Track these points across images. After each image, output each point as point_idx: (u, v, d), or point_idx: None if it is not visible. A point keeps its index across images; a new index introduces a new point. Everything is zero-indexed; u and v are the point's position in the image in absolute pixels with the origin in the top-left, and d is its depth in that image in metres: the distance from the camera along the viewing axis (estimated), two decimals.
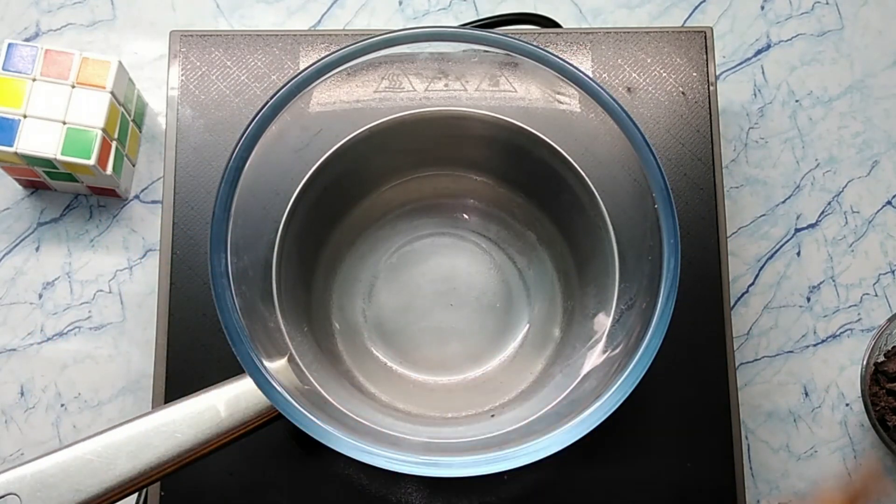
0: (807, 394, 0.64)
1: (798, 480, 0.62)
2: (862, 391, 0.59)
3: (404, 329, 0.58)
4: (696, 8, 0.70)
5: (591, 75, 0.54)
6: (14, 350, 0.64)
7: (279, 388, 0.44)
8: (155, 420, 0.44)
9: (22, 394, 0.63)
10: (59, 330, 0.64)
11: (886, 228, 0.66)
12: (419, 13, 0.70)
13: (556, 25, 0.66)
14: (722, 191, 0.61)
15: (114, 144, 0.63)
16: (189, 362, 0.56)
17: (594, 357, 0.50)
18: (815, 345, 0.64)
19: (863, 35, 0.70)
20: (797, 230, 0.66)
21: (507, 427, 0.49)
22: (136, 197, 0.66)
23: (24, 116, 0.60)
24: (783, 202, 0.67)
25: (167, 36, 0.64)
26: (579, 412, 0.45)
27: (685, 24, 0.70)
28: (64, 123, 0.60)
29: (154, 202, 0.66)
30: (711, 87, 0.62)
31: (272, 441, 0.55)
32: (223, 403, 0.45)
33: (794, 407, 0.63)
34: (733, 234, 0.66)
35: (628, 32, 0.63)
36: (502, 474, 0.43)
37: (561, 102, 0.52)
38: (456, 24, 0.70)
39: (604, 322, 0.51)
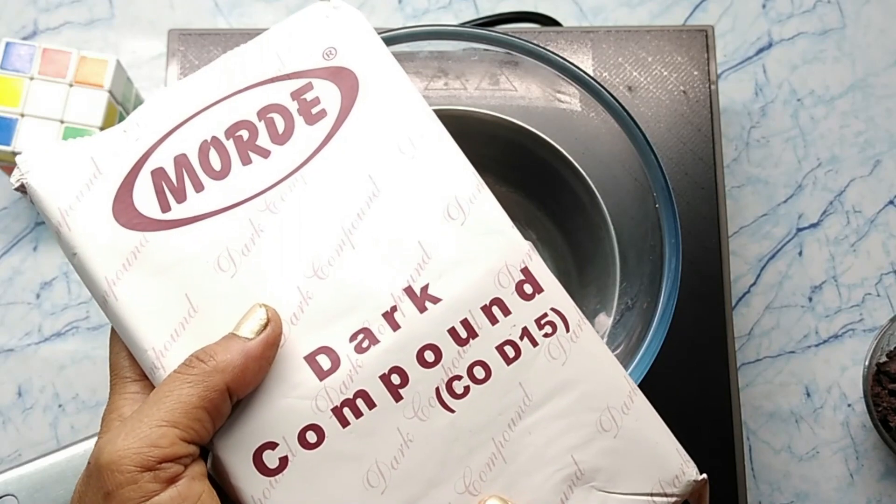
0: (808, 394, 0.63)
1: (800, 481, 0.62)
2: (864, 392, 0.59)
3: None
4: (698, 6, 0.70)
5: (591, 74, 0.53)
6: (11, 350, 0.64)
7: None
8: None
9: (20, 394, 0.63)
10: (57, 330, 0.64)
11: (889, 228, 0.66)
12: (419, 11, 0.70)
13: (557, 24, 0.65)
14: (723, 190, 0.61)
15: None
16: None
17: None
18: (816, 345, 0.64)
19: (865, 34, 0.69)
20: (799, 230, 0.66)
21: None
22: None
23: (22, 115, 0.60)
24: (785, 202, 0.66)
25: (165, 34, 0.63)
26: None
27: (686, 23, 0.70)
28: (62, 122, 0.60)
29: None
30: (713, 86, 0.62)
31: None
32: None
33: (795, 407, 0.63)
34: (735, 233, 0.66)
35: (629, 31, 0.63)
36: None
37: (561, 101, 0.52)
38: (456, 23, 0.69)
39: (605, 322, 0.51)
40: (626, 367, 0.45)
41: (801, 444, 0.62)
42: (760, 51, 0.69)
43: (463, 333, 0.34)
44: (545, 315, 0.35)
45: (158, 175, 0.36)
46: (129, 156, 0.36)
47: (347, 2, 0.39)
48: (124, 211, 0.35)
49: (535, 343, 0.35)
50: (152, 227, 0.35)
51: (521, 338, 0.35)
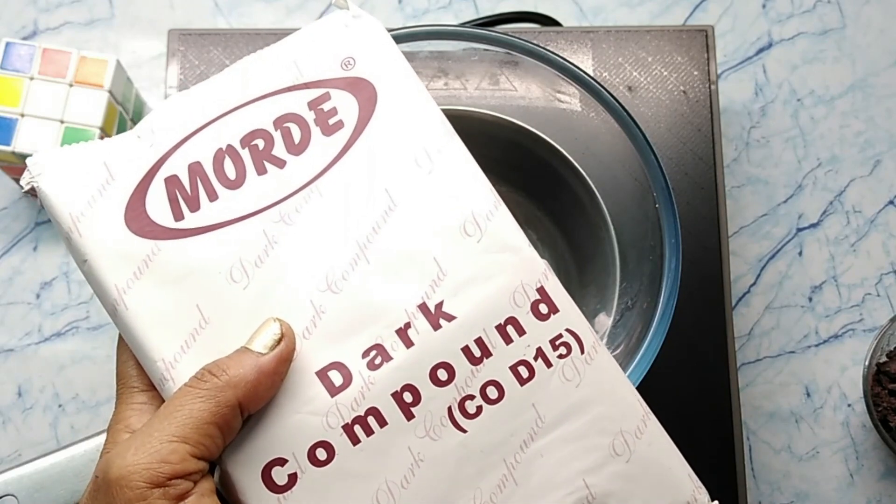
0: (808, 394, 0.63)
1: (800, 481, 0.62)
2: (864, 392, 0.59)
3: None
4: (698, 6, 0.70)
5: (591, 74, 0.53)
6: (11, 350, 0.64)
7: None
8: None
9: (20, 394, 0.63)
10: (57, 330, 0.64)
11: (888, 228, 0.66)
12: (419, 11, 0.70)
13: (557, 24, 0.65)
14: (723, 190, 0.61)
15: None
16: None
17: None
18: (816, 345, 0.64)
19: (865, 34, 0.69)
20: (799, 230, 0.66)
21: None
22: None
23: (22, 115, 0.60)
24: (785, 202, 0.66)
25: (165, 34, 0.63)
26: None
27: (686, 23, 0.70)
28: (62, 122, 0.60)
29: None
30: (713, 86, 0.62)
31: None
32: None
33: (795, 408, 0.63)
34: (735, 233, 0.66)
35: (629, 31, 0.63)
36: None
37: (561, 101, 0.52)
38: (456, 23, 0.69)
39: (605, 322, 0.51)
40: (625, 367, 0.46)
41: (801, 444, 0.62)
42: (760, 51, 0.69)
43: (477, 352, 0.34)
44: (560, 336, 0.35)
45: (172, 183, 0.35)
46: (142, 162, 0.35)
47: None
48: (137, 218, 0.35)
49: (549, 364, 0.34)
50: (165, 236, 0.34)
51: (536, 358, 0.34)
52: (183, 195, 0.35)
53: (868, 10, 0.70)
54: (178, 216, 0.35)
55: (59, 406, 0.63)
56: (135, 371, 0.34)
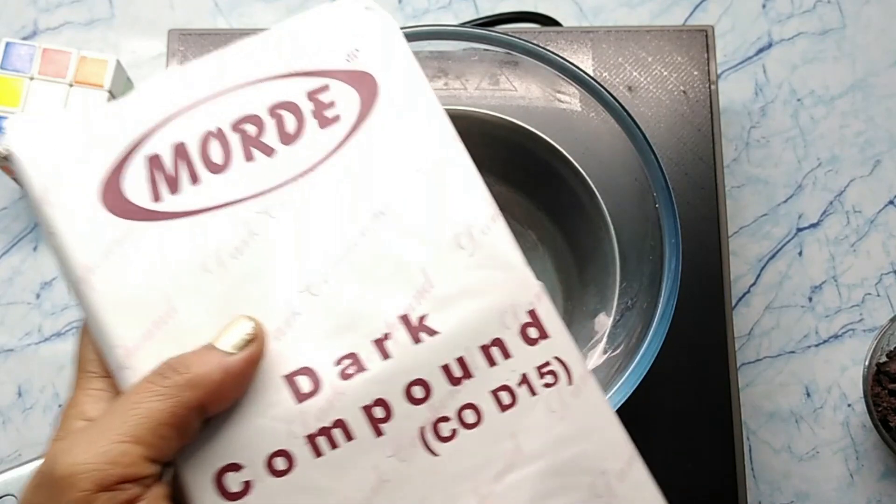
0: (808, 394, 0.63)
1: (800, 481, 0.62)
2: (864, 392, 0.59)
3: None
4: (698, 6, 0.70)
5: (591, 74, 0.53)
6: (11, 350, 0.64)
7: None
8: None
9: (20, 394, 0.63)
10: (57, 330, 0.64)
11: (888, 228, 0.66)
12: (419, 11, 0.70)
13: (557, 24, 0.65)
14: (723, 190, 0.61)
15: None
16: None
17: (595, 357, 0.50)
18: (816, 345, 0.64)
19: (865, 34, 0.69)
20: (799, 230, 0.66)
21: None
22: None
23: None
24: (785, 202, 0.66)
25: (165, 34, 0.63)
26: None
27: (686, 23, 0.70)
28: None
29: None
30: (713, 86, 0.62)
31: None
32: None
33: (795, 408, 0.63)
34: (735, 233, 0.66)
35: (629, 31, 0.63)
36: None
37: (561, 101, 0.52)
38: (456, 23, 0.69)
39: (604, 322, 0.51)
40: (626, 367, 0.46)
41: (801, 444, 0.62)
42: (760, 51, 0.69)
43: (457, 372, 0.32)
44: (548, 363, 0.33)
45: (154, 162, 0.33)
46: (125, 137, 0.33)
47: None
48: (112, 195, 0.32)
49: (533, 392, 0.32)
50: (140, 217, 0.32)
51: (520, 385, 0.32)
52: (164, 175, 0.33)
53: (868, 10, 0.70)
54: (157, 197, 0.33)
55: (59, 406, 0.63)
56: (94, 355, 0.32)
